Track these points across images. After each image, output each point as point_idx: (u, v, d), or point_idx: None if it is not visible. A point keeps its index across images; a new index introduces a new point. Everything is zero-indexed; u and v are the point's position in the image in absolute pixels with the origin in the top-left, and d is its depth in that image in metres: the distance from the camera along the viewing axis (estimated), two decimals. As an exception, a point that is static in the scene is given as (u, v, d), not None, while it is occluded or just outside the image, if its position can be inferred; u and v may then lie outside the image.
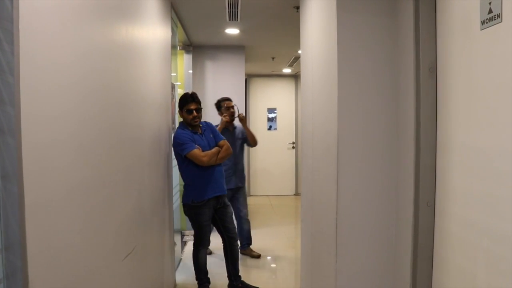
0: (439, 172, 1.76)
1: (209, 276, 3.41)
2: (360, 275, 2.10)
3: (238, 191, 4.28)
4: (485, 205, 1.42)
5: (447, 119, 1.69)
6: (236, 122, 4.24)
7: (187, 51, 5.21)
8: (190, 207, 3.18)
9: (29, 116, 1.03)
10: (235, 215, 4.11)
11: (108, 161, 1.67)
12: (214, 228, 3.40)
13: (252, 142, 4.27)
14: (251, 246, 4.42)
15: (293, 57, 6.12)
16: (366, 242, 2.09)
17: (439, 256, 1.76)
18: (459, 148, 1.60)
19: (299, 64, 6.03)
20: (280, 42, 5.14)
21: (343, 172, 2.06)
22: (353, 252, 2.09)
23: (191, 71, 5.25)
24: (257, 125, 7.78)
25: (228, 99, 4.21)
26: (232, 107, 4.15)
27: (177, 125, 3.82)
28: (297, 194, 7.81)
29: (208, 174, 3.16)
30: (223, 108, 4.17)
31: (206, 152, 3.12)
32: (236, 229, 3.55)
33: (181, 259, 4.20)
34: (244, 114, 4.23)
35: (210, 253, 4.25)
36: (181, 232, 4.66)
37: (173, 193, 3.59)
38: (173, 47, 3.80)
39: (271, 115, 7.96)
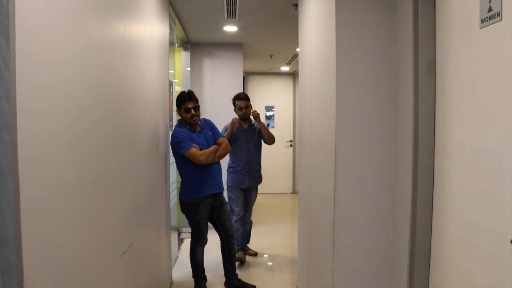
0: (437, 171, 1.76)
1: (206, 274, 3.41)
2: (357, 273, 2.10)
3: (249, 191, 4.10)
4: (483, 204, 1.42)
5: (445, 117, 1.69)
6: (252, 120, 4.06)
7: (185, 49, 5.20)
8: (187, 205, 3.17)
9: (25, 112, 1.02)
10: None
11: (105, 157, 1.66)
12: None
13: (268, 139, 4.07)
14: (248, 245, 4.39)
15: (291, 55, 6.11)
16: (363, 241, 2.09)
17: (436, 255, 1.76)
18: (458, 147, 1.60)
19: (297, 62, 6.03)
20: (278, 40, 5.13)
21: (341, 170, 2.06)
22: (350, 250, 2.09)
23: (189, 69, 5.24)
24: (255, 123, 7.75)
25: (243, 98, 3.98)
26: (246, 106, 3.93)
27: (174, 122, 3.80)
28: (294, 192, 7.81)
29: (206, 171, 3.15)
30: (236, 108, 4.00)
31: (203, 151, 3.11)
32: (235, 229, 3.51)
33: (178, 256, 4.20)
34: (258, 111, 4.01)
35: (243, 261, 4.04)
36: (178, 230, 4.65)
37: (170, 190, 3.58)
38: (171, 44, 3.79)
39: (268, 113, 7.95)
